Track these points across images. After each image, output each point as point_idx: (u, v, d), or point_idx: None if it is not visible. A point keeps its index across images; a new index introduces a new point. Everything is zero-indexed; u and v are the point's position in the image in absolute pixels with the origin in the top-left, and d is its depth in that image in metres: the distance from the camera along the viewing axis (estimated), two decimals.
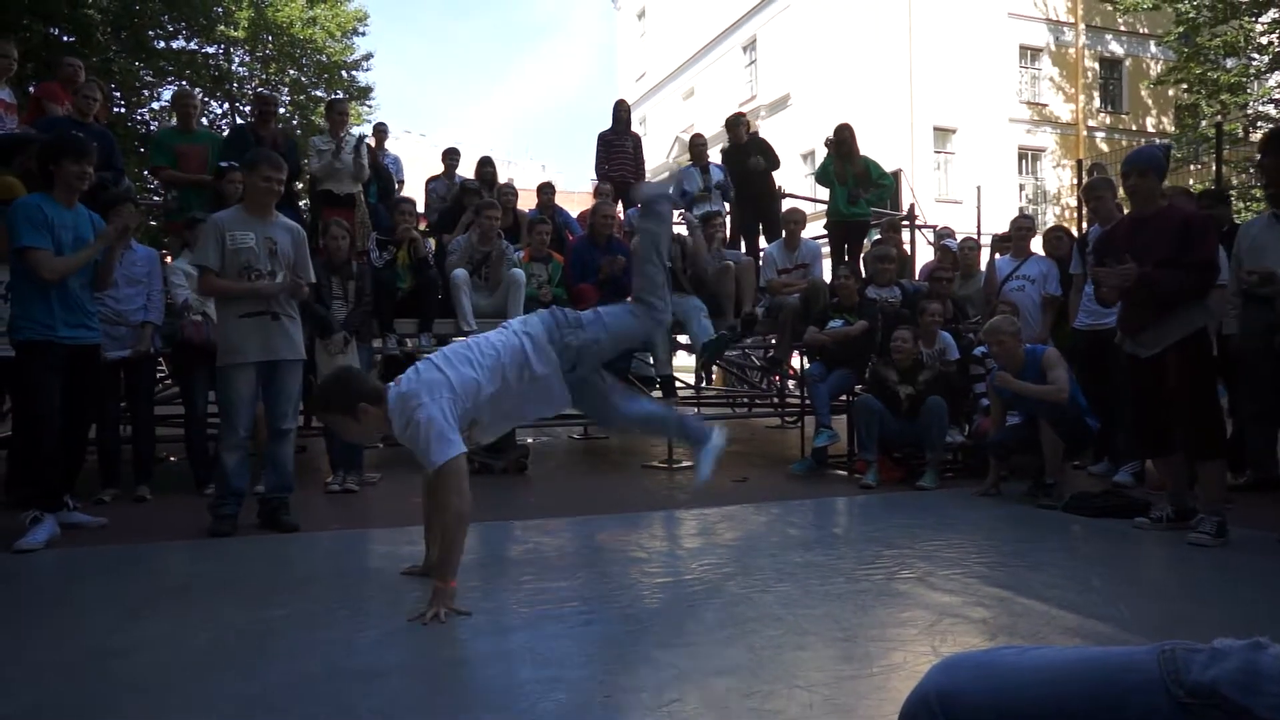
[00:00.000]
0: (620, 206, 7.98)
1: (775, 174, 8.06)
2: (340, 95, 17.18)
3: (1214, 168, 10.53)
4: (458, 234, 6.46)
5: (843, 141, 7.22)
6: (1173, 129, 23.01)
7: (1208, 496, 3.86)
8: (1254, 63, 19.87)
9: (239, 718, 1.96)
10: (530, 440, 7.24)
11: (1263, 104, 20.07)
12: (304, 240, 4.28)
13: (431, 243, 6.23)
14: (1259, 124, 20.06)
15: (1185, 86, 20.79)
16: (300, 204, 6.51)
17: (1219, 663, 0.76)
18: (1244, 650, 0.76)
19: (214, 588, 3.13)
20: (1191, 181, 16.32)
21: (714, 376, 10.60)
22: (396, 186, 8.20)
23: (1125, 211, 4.71)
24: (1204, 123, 21.22)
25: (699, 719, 1.97)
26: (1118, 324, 4.20)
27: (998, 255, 6.59)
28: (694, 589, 3.07)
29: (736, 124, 7.97)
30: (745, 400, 9.12)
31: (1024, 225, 6.36)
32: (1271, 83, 19.88)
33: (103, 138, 5.46)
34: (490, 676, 2.21)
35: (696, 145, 7.87)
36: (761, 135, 8.33)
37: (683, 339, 6.63)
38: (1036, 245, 6.50)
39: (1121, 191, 4.76)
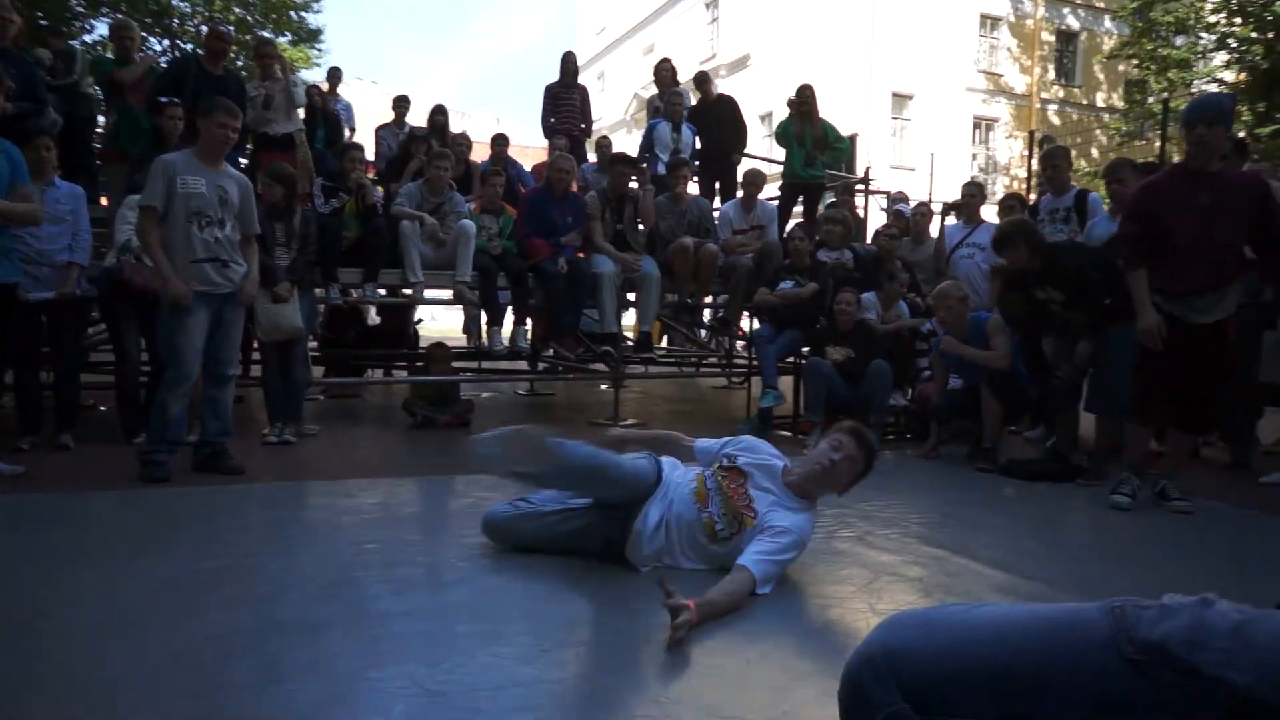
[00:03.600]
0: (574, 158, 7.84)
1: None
2: (271, 36, 16.37)
3: (1159, 145, 10.77)
4: (406, 182, 6.28)
5: (804, 102, 7.18)
6: (1122, 104, 23.43)
7: (1177, 463, 3.94)
8: (1201, 41, 20.26)
9: (165, 674, 1.90)
10: (477, 395, 7.17)
11: (1206, 83, 20.49)
12: (250, 193, 4.26)
13: (380, 191, 6.05)
14: None
15: (1136, 62, 21.11)
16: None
17: (1168, 620, 0.76)
18: (1193, 607, 0.76)
19: (143, 539, 3.04)
20: (1138, 158, 16.60)
21: (662, 337, 10.60)
22: (347, 134, 7.95)
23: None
24: (1150, 99, 21.68)
25: (638, 673, 1.96)
26: (1163, 284, 3.75)
27: (948, 221, 6.65)
28: None
29: (705, 81, 7.87)
30: (693, 361, 9.12)
31: (974, 192, 6.41)
32: (1216, 61, 20.28)
33: (21, 65, 5.15)
34: (426, 631, 2.18)
35: (672, 104, 7.75)
36: (728, 95, 8.20)
37: (630, 295, 6.58)
38: (988, 213, 6.56)
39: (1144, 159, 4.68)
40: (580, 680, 1.92)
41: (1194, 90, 20.54)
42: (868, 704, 0.86)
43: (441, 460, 4.62)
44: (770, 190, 8.04)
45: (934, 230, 6.98)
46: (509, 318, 6.45)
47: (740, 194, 6.79)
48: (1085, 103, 24.68)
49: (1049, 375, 4.67)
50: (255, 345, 5.36)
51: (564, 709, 1.78)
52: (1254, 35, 18.37)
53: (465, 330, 11.59)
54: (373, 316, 8.74)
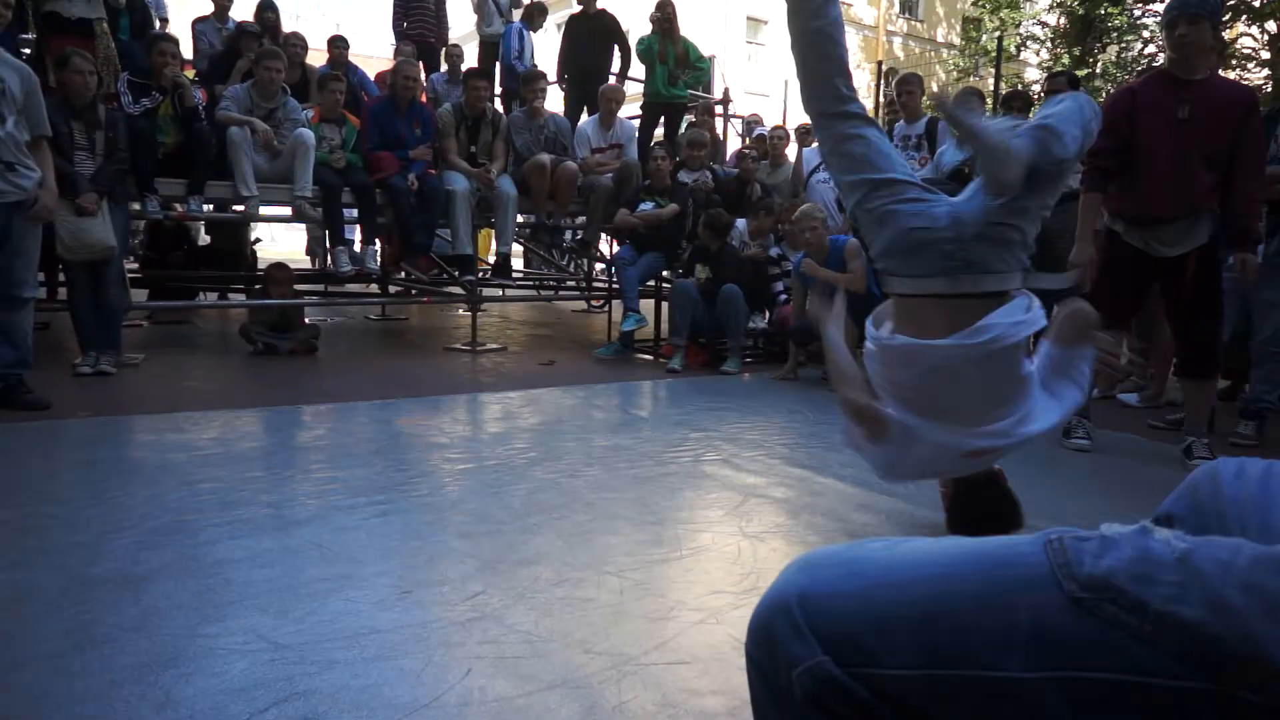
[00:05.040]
0: (423, 68, 7.33)
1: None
2: None
3: (992, 82, 11.32)
4: (233, 83, 5.66)
5: (666, 19, 6.95)
6: (959, 41, 24.45)
7: (1198, 416, 3.53)
8: None
9: None
10: (324, 321, 6.72)
11: (1033, 24, 21.66)
12: (37, 85, 3.69)
13: (202, 94, 5.41)
14: (1028, 43, 21.76)
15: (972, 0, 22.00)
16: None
17: (1111, 552, 0.69)
18: (1134, 537, 0.70)
19: None
20: None
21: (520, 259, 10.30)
22: (157, 24, 7.04)
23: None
24: (985, 37, 22.74)
25: (506, 611, 1.86)
26: (1123, 211, 3.45)
27: (805, 147, 6.69)
28: (498, 474, 2.93)
29: None
30: (552, 284, 8.93)
31: None
32: (1041, 4, 21.43)
33: None
34: (270, 577, 1.98)
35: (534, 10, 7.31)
36: (610, 13, 7.76)
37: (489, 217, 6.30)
38: None
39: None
40: (445, 623, 1.79)
41: (1021, 30, 21.73)
42: (782, 657, 0.75)
43: (286, 390, 4.28)
44: (630, 109, 7.83)
45: (791, 154, 7.02)
46: (356, 237, 6.04)
47: (599, 112, 6.56)
48: (927, 37, 25.58)
49: None
50: (60, 265, 4.76)
51: (428, 654, 1.65)
52: None
53: (309, 253, 10.90)
54: (202, 235, 8.00)
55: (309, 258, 10.68)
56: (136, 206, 4.96)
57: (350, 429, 3.58)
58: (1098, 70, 19.01)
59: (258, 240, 9.13)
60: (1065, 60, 18.59)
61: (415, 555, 2.17)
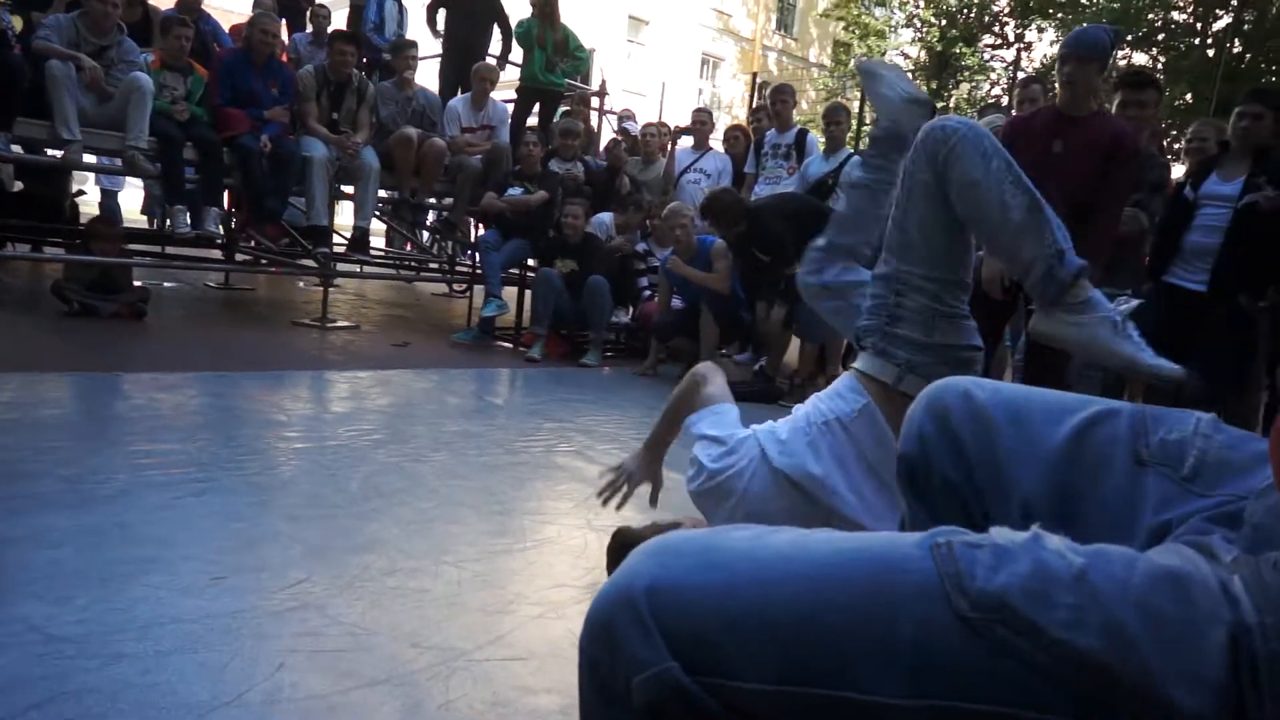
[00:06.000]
0: (285, 25, 6.88)
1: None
2: None
3: (857, 104, 11.86)
4: (55, 11, 5.08)
5: (548, 3, 6.81)
6: (829, 62, 25.48)
7: None
8: (895, 15, 22.56)
9: None
10: (157, 285, 6.18)
11: (896, 54, 22.89)
12: None
13: (15, 21, 4.84)
14: None
15: (844, 24, 22.99)
16: None
17: (1006, 565, 0.61)
18: (1029, 547, 0.62)
19: None
20: None
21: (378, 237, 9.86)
22: None
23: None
24: (853, 61, 23.83)
25: (329, 601, 1.72)
26: None
27: (679, 147, 6.72)
28: (338, 456, 2.75)
29: None
30: (413, 264, 8.59)
31: (704, 119, 6.53)
32: (904, 36, 22.69)
33: None
34: (56, 559, 1.75)
35: None
36: None
37: (346, 189, 5.98)
38: (714, 143, 6.73)
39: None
40: (259, 612, 1.64)
41: (886, 59, 22.97)
42: (623, 657, 0.65)
43: (103, 355, 3.88)
44: (506, 93, 7.65)
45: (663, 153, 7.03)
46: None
47: (471, 90, 6.35)
48: (800, 55, 26.48)
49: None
50: None
51: (235, 646, 1.50)
52: (932, 20, 20.78)
53: (146, 212, 10.03)
54: (12, 180, 7.17)
55: (145, 218, 9.84)
56: None
57: (176, 401, 3.27)
58: (951, 105, 20.26)
59: (80, 193, 8.30)
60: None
61: (234, 538, 1.98)
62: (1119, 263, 4.02)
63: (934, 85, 20.12)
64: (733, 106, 24.57)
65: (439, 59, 7.29)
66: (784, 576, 0.64)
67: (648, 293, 5.91)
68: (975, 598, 0.59)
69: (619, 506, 2.05)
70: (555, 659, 1.60)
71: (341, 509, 2.27)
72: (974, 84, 21.53)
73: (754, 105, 9.85)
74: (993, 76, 20.93)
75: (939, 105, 18.64)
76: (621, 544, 1.76)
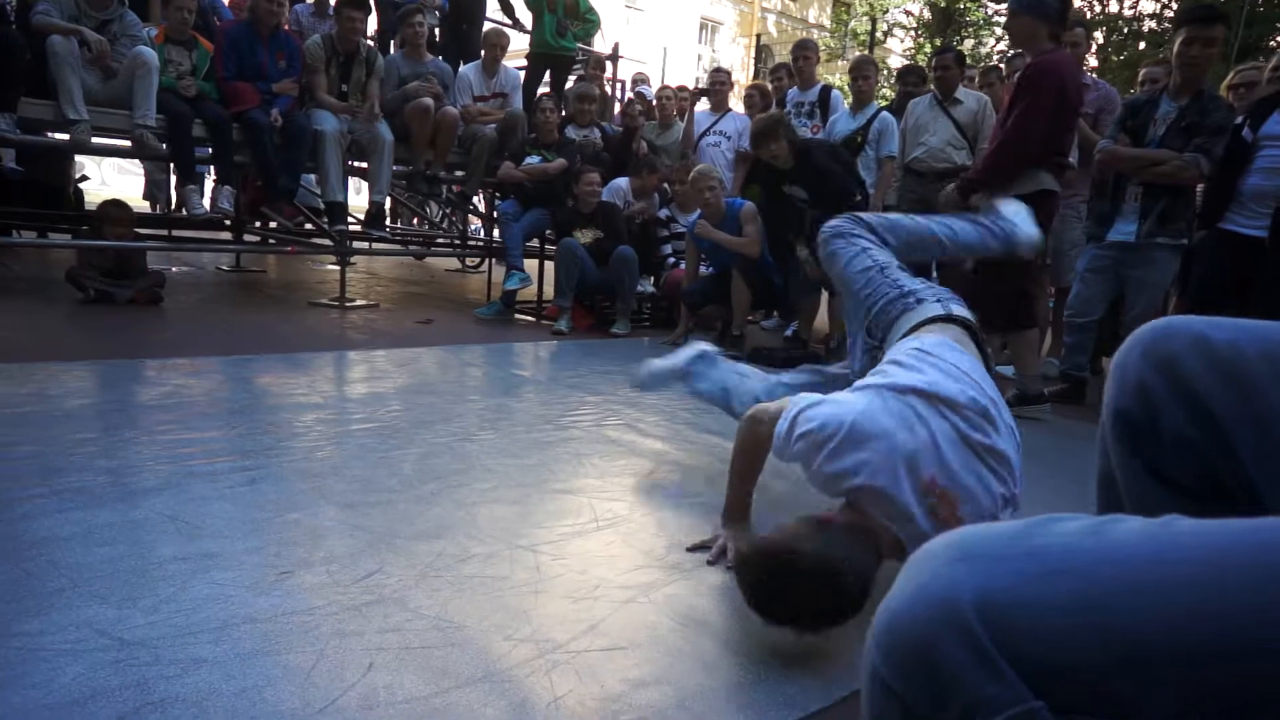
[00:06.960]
0: None
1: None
2: None
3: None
4: None
5: None
6: (829, 23, 25.04)
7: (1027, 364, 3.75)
8: None
9: None
10: (169, 269, 6.04)
11: (899, 12, 22.48)
12: None
13: None
14: (894, 30, 22.60)
15: None
16: None
17: None
18: None
19: None
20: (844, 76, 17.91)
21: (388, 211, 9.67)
22: None
23: None
24: (853, 21, 23.41)
25: (408, 593, 1.60)
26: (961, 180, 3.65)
27: (698, 108, 6.54)
28: (383, 438, 2.63)
29: None
30: (422, 239, 8.43)
31: (723, 80, 6.34)
32: None
33: None
34: (112, 556, 1.64)
35: None
36: None
37: (360, 164, 5.81)
38: (733, 103, 6.54)
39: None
40: (337, 608, 1.52)
41: (887, 18, 22.49)
42: (957, 695, 0.50)
43: (124, 342, 3.76)
44: (516, 61, 7.45)
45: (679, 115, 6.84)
46: (209, 178, 5.42)
47: (482, 57, 6.16)
48: (799, 17, 26.01)
49: (792, 265, 4.77)
50: None
51: (318, 647, 1.38)
52: None
53: (148, 197, 9.85)
54: (13, 164, 7.01)
55: (148, 203, 9.68)
56: None
57: (206, 386, 3.15)
58: None
59: (84, 178, 8.14)
60: (927, 49, 19.36)
61: (293, 529, 1.87)
62: (1174, 211, 3.87)
63: (938, 42, 19.75)
64: (734, 70, 24.20)
65: (436, 27, 7.08)
66: (1166, 580, 0.49)
67: (672, 260, 5.76)
68: None
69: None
70: (657, 647, 1.49)
71: (399, 493, 2.15)
72: (978, 39, 21.12)
73: (755, 67, 9.62)
74: (998, 32, 20.52)
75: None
76: (784, 566, 1.39)
